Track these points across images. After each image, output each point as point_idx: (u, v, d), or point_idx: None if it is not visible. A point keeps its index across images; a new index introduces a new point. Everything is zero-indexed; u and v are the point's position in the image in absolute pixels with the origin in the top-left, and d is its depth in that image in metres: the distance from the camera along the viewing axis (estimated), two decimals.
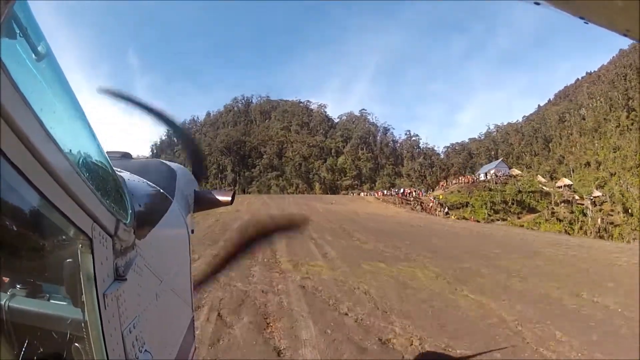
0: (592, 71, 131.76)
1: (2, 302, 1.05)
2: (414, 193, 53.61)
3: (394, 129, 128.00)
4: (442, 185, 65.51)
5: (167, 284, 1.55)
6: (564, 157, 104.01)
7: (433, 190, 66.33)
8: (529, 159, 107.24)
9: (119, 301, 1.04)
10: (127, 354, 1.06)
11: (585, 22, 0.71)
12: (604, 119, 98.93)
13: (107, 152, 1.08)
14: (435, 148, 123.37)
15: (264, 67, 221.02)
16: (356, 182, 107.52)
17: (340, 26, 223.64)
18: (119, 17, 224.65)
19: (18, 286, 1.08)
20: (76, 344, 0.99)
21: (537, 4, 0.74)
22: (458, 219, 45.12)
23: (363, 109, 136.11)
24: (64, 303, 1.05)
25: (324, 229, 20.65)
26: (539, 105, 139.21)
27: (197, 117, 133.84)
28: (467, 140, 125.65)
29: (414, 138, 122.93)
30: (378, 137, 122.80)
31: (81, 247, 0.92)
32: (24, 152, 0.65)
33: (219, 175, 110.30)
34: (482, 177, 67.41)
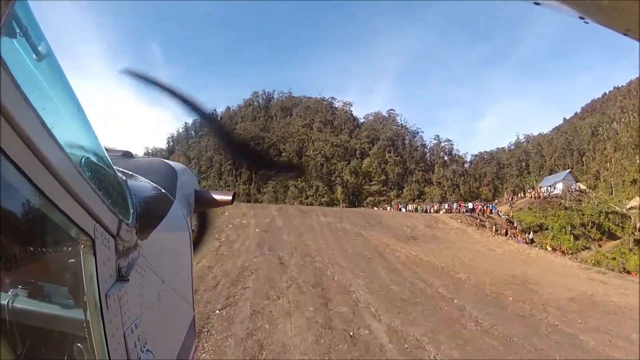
0: (621, 85, 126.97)
1: (5, 302, 1.02)
2: (485, 210, 45.63)
3: (423, 132, 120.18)
4: (506, 200, 58.21)
5: (168, 283, 1.56)
6: (599, 173, 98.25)
7: (482, 203, 58.18)
8: None
9: (122, 301, 1.03)
10: (129, 354, 1.05)
11: (585, 22, 0.70)
12: None
13: (108, 151, 1.08)
14: (465, 156, 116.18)
15: (287, 64, 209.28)
16: (384, 188, 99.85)
17: (363, 26, 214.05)
18: (141, 10, 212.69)
19: (20, 286, 1.08)
20: (78, 344, 0.98)
21: (537, 4, 0.74)
22: (553, 249, 37.59)
23: (391, 109, 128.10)
24: (66, 303, 1.04)
25: None
26: (564, 118, 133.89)
27: (215, 111, 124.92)
28: (495, 149, 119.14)
29: (444, 143, 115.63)
30: (406, 140, 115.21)
31: (83, 247, 0.91)
32: (26, 151, 0.65)
33: (234, 172, 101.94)
34: (542, 190, 60.37)
